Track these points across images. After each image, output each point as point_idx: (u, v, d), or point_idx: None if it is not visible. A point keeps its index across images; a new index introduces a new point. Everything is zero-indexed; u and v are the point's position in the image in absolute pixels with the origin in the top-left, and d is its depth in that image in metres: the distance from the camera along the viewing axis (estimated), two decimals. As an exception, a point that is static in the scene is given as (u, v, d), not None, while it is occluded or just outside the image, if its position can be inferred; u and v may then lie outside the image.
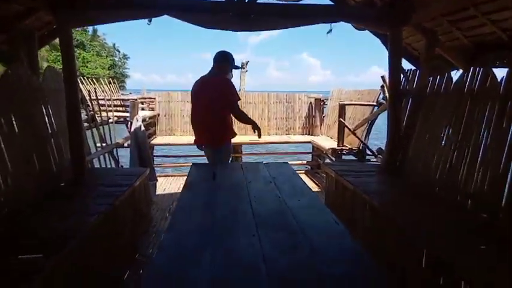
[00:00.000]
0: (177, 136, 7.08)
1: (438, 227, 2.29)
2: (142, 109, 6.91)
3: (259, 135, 3.64)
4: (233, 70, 3.70)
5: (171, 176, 6.60)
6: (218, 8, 3.53)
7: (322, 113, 7.27)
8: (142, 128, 5.15)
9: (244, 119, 3.66)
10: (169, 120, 7.16)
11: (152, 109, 6.91)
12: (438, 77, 3.42)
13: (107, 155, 4.60)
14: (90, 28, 47.73)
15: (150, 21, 3.61)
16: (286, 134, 7.37)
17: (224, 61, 3.54)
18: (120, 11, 3.35)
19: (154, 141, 6.52)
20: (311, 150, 7.20)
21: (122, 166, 5.19)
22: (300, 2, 3.45)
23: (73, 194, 2.93)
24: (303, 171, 6.93)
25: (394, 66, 3.75)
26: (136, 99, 5.40)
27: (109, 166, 4.66)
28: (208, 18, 3.60)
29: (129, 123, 5.19)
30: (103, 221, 2.50)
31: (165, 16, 3.43)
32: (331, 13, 3.70)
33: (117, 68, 51.28)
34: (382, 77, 5.39)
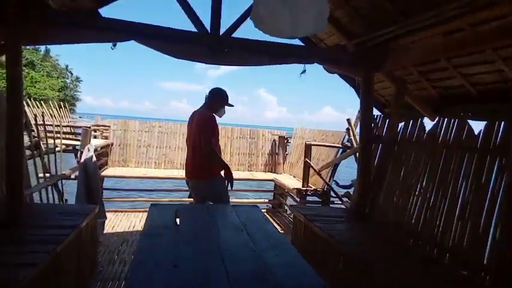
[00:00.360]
0: (131, 168, 6.58)
1: (414, 279, 2.14)
2: (95, 137, 6.38)
3: (231, 184, 3.55)
4: (225, 107, 3.62)
5: (122, 211, 6.04)
6: (190, 38, 3.34)
7: (285, 151, 7.18)
8: (94, 159, 4.67)
9: (213, 159, 3.40)
10: (124, 150, 6.66)
11: (106, 138, 6.40)
12: (411, 124, 3.43)
13: (50, 188, 4.05)
14: (42, 47, 45.88)
15: (114, 45, 3.31)
16: (249, 171, 7.15)
17: (215, 97, 3.53)
18: (82, 31, 3.04)
19: (105, 173, 5.98)
20: (273, 188, 7.00)
21: (66, 201, 4.62)
22: (276, 41, 3.35)
23: (3, 238, 2.44)
24: (264, 210, 6.67)
25: (366, 110, 3.73)
26: (89, 127, 4.93)
27: (52, 201, 4.10)
28: (177, 47, 3.39)
29: (79, 152, 4.69)
30: (39, 275, 2.05)
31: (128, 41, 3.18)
32: (305, 54, 3.65)
33: (68, 90, 49.16)
34: (348, 120, 5.42)
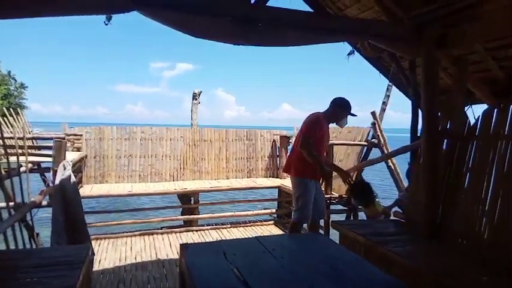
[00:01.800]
0: (111, 184, 5.47)
1: None
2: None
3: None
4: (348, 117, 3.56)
5: (105, 238, 4.93)
6: (214, 7, 2.44)
7: (288, 152, 6.36)
8: (73, 179, 3.58)
9: (309, 156, 3.28)
10: (101, 163, 5.53)
11: (78, 149, 5.24)
12: (495, 112, 2.74)
13: (17, 224, 2.95)
14: (-20, 52, 41.64)
15: (109, 19, 2.33)
16: (248, 177, 6.26)
17: (335, 106, 3.47)
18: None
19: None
20: (277, 196, 6.16)
21: (37, 235, 3.51)
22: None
23: None
24: (272, 222, 5.83)
25: (430, 97, 2.99)
26: (63, 138, 3.80)
27: (22, 244, 3.00)
28: (194, 21, 2.47)
29: (52, 171, 3.58)
30: None
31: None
32: (359, 29, 2.85)
33: (12, 98, 44.97)
34: (373, 113, 4.71)
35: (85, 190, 4.99)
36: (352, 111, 3.52)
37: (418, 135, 3.51)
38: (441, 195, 3.03)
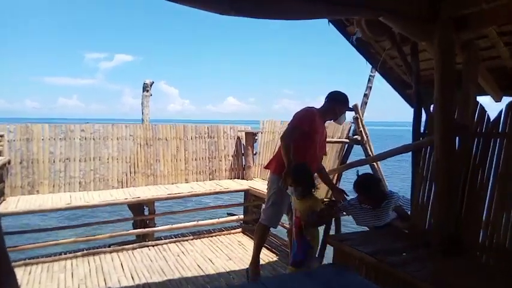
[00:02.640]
0: (44, 195, 4.44)
1: None
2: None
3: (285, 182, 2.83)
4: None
5: (37, 263, 3.95)
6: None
7: (253, 151, 5.73)
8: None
9: (284, 148, 2.89)
10: (30, 169, 4.47)
11: (-3, 153, 4.15)
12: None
13: None
14: None
15: None
16: (211, 179, 5.54)
17: (331, 101, 3.10)
18: None
19: (1, 208, 3.82)
20: (243, 200, 5.52)
21: None
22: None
23: None
24: (239, 230, 5.18)
25: (446, 88, 2.53)
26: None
27: None
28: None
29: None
30: None
31: None
32: (373, 3, 2.28)
33: None
34: (355, 106, 4.22)
35: (9, 205, 3.94)
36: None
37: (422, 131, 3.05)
38: (457, 203, 2.60)
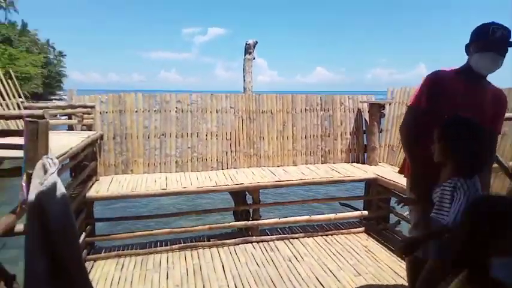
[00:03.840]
0: (138, 175, 3.92)
1: None
2: (71, 129, 3.66)
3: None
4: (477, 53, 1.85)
5: (127, 255, 3.43)
6: None
7: (379, 127, 4.47)
8: (61, 191, 1.98)
9: (403, 144, 2.05)
10: (123, 145, 3.96)
11: (89, 128, 3.67)
12: None
13: None
14: (19, 21, 41.76)
15: None
16: (323, 162, 4.50)
17: (472, 41, 1.85)
18: None
19: (92, 193, 3.33)
20: (363, 192, 4.38)
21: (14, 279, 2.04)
22: None
23: None
24: (362, 229, 4.08)
25: None
26: (42, 115, 2.17)
27: None
28: None
29: (25, 178, 1.99)
30: None
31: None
32: None
33: (51, 66, 45.27)
34: None
35: (101, 187, 3.46)
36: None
37: None
38: None
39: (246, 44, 4.73)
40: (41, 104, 3.76)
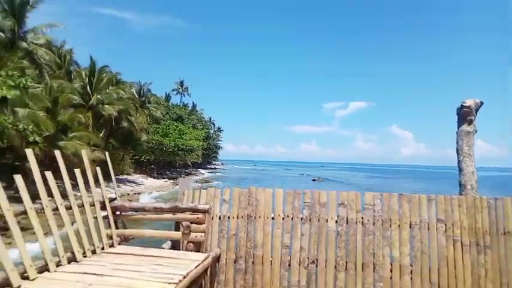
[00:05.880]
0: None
1: None
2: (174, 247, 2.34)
3: None
4: None
5: None
6: None
7: None
8: None
9: None
10: (248, 275, 2.40)
11: (197, 247, 2.25)
12: None
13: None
14: (190, 103, 49.55)
15: None
16: None
17: None
18: None
19: None
20: None
21: None
22: None
23: None
24: None
25: None
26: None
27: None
28: None
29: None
30: None
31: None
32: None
33: (211, 139, 50.96)
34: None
35: None
36: None
37: None
38: None
39: (462, 106, 2.68)
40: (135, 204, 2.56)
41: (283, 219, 2.44)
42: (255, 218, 2.44)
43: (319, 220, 2.41)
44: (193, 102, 49.66)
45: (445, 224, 2.31)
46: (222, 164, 71.37)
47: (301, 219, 2.43)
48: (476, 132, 2.71)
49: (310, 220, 2.42)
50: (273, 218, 2.45)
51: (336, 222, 2.41)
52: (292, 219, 2.43)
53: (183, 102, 49.43)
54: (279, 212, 2.45)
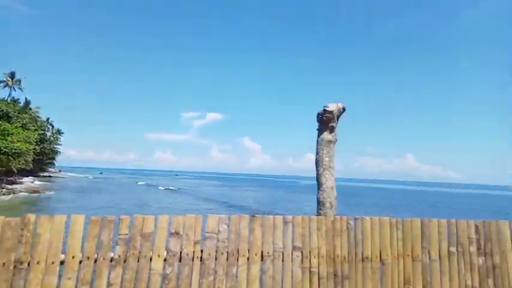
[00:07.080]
0: None
1: None
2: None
3: None
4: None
5: None
6: None
7: None
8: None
9: None
10: None
11: None
12: None
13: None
14: (22, 98, 41.56)
15: None
16: None
17: None
18: None
19: None
20: None
21: None
22: None
23: None
24: None
25: None
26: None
27: None
28: None
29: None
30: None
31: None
32: None
33: (47, 143, 43.75)
34: None
35: None
36: None
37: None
38: None
39: (325, 111, 2.19)
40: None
41: (80, 262, 1.56)
42: (29, 265, 1.49)
43: (138, 260, 1.63)
44: (26, 98, 41.71)
45: (302, 253, 1.85)
46: (60, 171, 61.98)
47: (111, 260, 1.60)
48: (336, 141, 2.41)
49: (125, 261, 1.61)
50: (62, 263, 1.54)
51: (165, 260, 1.67)
52: (95, 261, 1.58)
53: (13, 97, 41.00)
54: (74, 252, 1.56)
